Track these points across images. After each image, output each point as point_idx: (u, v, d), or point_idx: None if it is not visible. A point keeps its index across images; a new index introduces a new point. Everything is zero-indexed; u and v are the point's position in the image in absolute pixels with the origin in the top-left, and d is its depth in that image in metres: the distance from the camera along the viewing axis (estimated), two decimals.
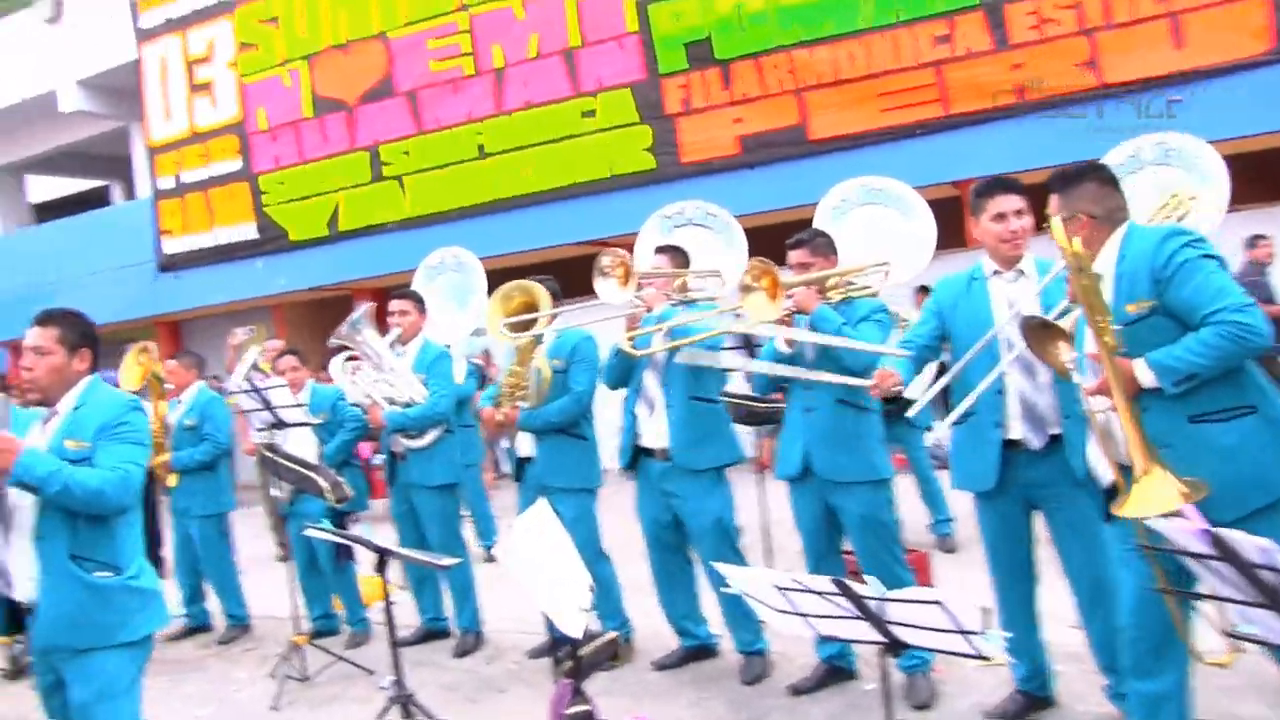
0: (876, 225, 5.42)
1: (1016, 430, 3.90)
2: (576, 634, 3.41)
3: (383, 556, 4.17)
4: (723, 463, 5.08)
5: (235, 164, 15.19)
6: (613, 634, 4.32)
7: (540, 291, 5.23)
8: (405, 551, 4.17)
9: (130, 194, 20.43)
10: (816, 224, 5.17)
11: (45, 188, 23.43)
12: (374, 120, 13.89)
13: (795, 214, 10.88)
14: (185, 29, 15.56)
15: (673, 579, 5.28)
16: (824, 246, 4.69)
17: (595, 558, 5.43)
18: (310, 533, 4.76)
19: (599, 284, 4.77)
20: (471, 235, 11.70)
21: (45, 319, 3.58)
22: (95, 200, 22.40)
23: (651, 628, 5.68)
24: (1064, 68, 10.07)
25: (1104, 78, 9.94)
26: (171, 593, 7.43)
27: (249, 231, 15.20)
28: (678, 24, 11.84)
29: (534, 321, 5.20)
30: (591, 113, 12.43)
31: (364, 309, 6.12)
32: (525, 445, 5.59)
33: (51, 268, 17.63)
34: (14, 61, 18.74)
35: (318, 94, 14.36)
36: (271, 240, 14.99)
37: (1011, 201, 3.91)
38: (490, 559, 8.51)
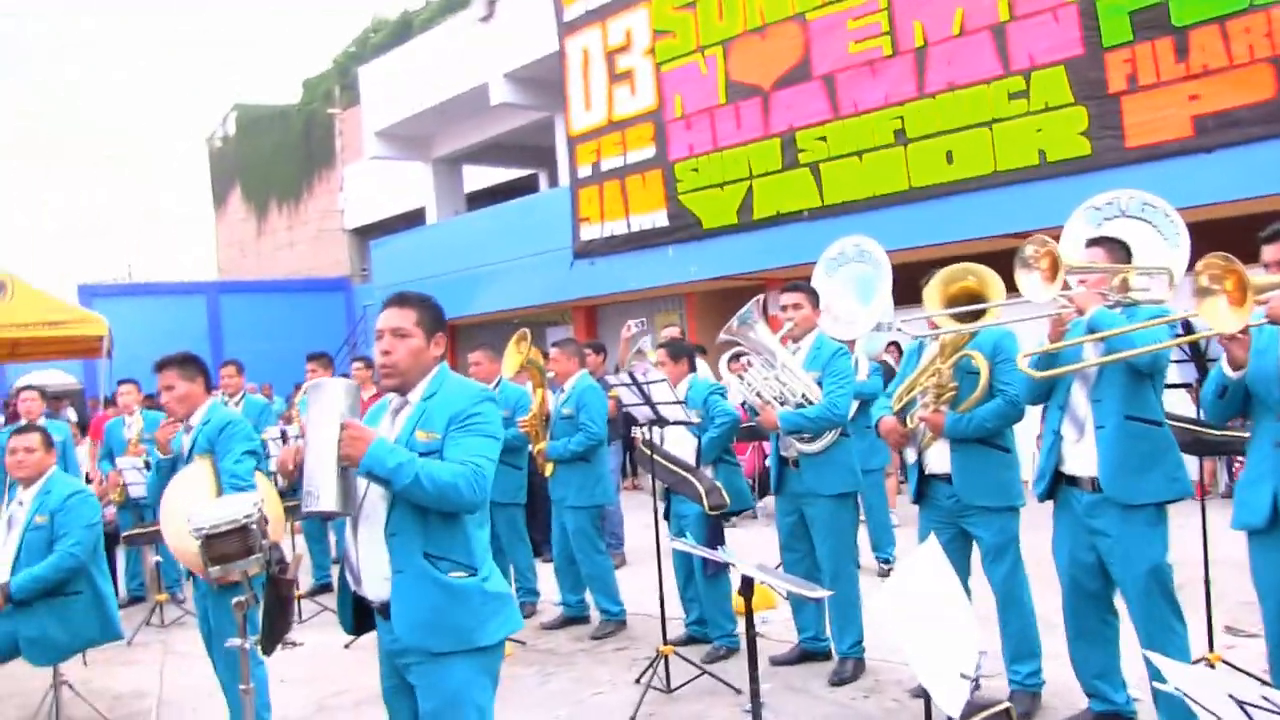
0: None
1: None
2: (954, 709, 2.88)
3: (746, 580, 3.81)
4: (1165, 498, 4.42)
5: (650, 151, 15.47)
6: (1004, 706, 3.70)
7: (992, 279, 4.76)
8: (770, 579, 3.78)
9: (554, 182, 21.49)
10: None
11: (480, 177, 25.23)
12: (789, 105, 13.64)
13: (1262, 204, 9.87)
14: (605, 19, 16.02)
15: (1089, 631, 4.67)
16: None
17: (1016, 591, 5.01)
18: (676, 545, 4.49)
19: (1021, 277, 4.26)
20: (887, 226, 11.38)
21: (402, 300, 3.44)
22: (524, 189, 23.87)
23: (1060, 680, 5.04)
24: None
25: None
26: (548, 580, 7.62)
27: (661, 219, 15.43)
28: None
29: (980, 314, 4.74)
30: (1022, 93, 11.51)
31: (754, 302, 5.87)
32: (937, 460, 5.13)
33: (480, 253, 18.88)
34: (452, 59, 20.30)
35: (732, 79, 14.30)
36: (684, 228, 15.12)
37: None
38: (885, 574, 8.17)
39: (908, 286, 6.80)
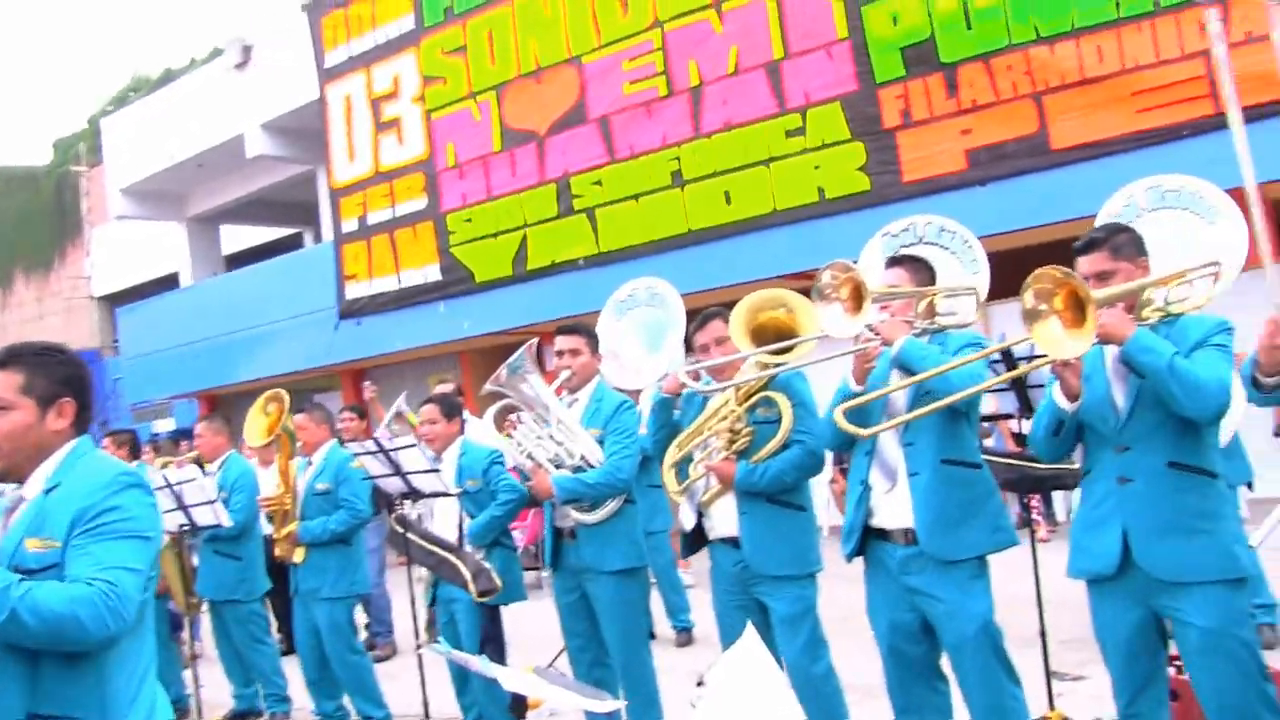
0: (1172, 235, 4.78)
1: None
2: None
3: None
4: (988, 549, 4.18)
5: (421, 203, 14.87)
6: None
7: (806, 311, 4.38)
8: (551, 688, 3.16)
9: (319, 239, 20.63)
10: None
11: (240, 237, 24.05)
12: (564, 150, 13.33)
13: (1037, 235, 10.05)
14: (370, 65, 15.37)
15: (918, 704, 4.32)
16: (1129, 247, 3.77)
17: (816, 665, 4.64)
18: (433, 649, 3.82)
19: (821, 310, 4.06)
20: (667, 270, 10.94)
21: (2, 360, 2.70)
22: (287, 247, 22.77)
23: None
24: None
25: None
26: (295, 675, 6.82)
27: (433, 273, 14.85)
28: (895, 26, 10.82)
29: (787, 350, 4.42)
30: (798, 130, 11.49)
31: (526, 348, 5.38)
32: (722, 522, 4.75)
33: (238, 317, 17.87)
34: (205, 109, 19.21)
35: (507, 125, 13.88)
36: (457, 282, 14.59)
37: None
38: (684, 643, 7.84)
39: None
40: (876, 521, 4.25)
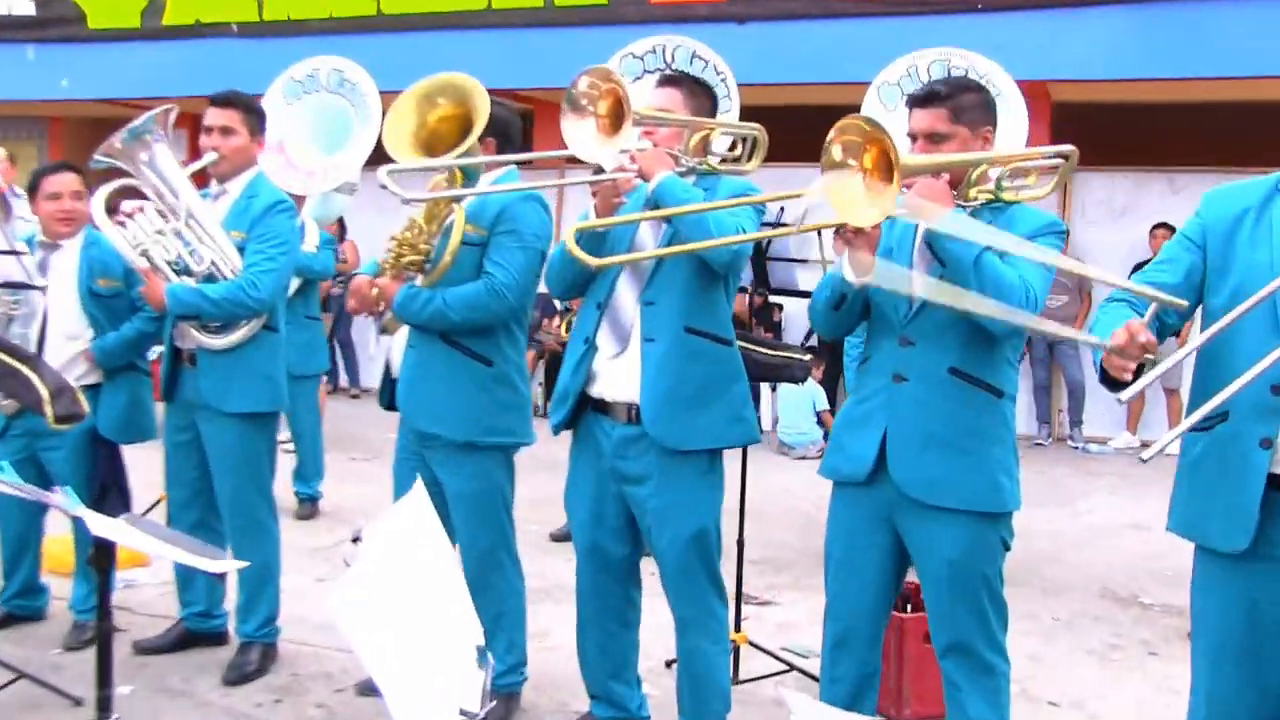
0: None
1: None
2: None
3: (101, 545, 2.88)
4: (725, 443, 4.26)
5: None
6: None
7: (483, 100, 4.28)
8: (151, 541, 2.86)
9: None
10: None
11: None
12: None
13: (798, 93, 10.33)
14: None
15: (610, 615, 4.42)
16: (976, 111, 3.76)
17: (502, 564, 4.71)
18: None
19: (570, 126, 3.94)
20: (348, 57, 10.71)
21: None
22: None
23: (554, 669, 5.04)
24: None
25: None
26: None
27: (25, 4, 13.84)
28: None
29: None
30: None
31: (159, 113, 4.99)
32: (397, 355, 4.83)
33: None
34: None
35: None
36: (59, 22, 13.64)
37: None
38: (307, 514, 7.82)
39: None
40: (596, 390, 4.23)
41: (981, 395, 3.64)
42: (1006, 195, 3.69)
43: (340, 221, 11.25)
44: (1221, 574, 3.21)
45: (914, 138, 3.73)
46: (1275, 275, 2.95)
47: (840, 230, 3.45)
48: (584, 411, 4.30)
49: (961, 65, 5.71)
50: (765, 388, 10.81)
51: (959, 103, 3.70)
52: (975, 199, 3.66)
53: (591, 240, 4.06)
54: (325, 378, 8.91)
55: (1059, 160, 3.81)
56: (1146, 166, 11.43)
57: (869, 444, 3.69)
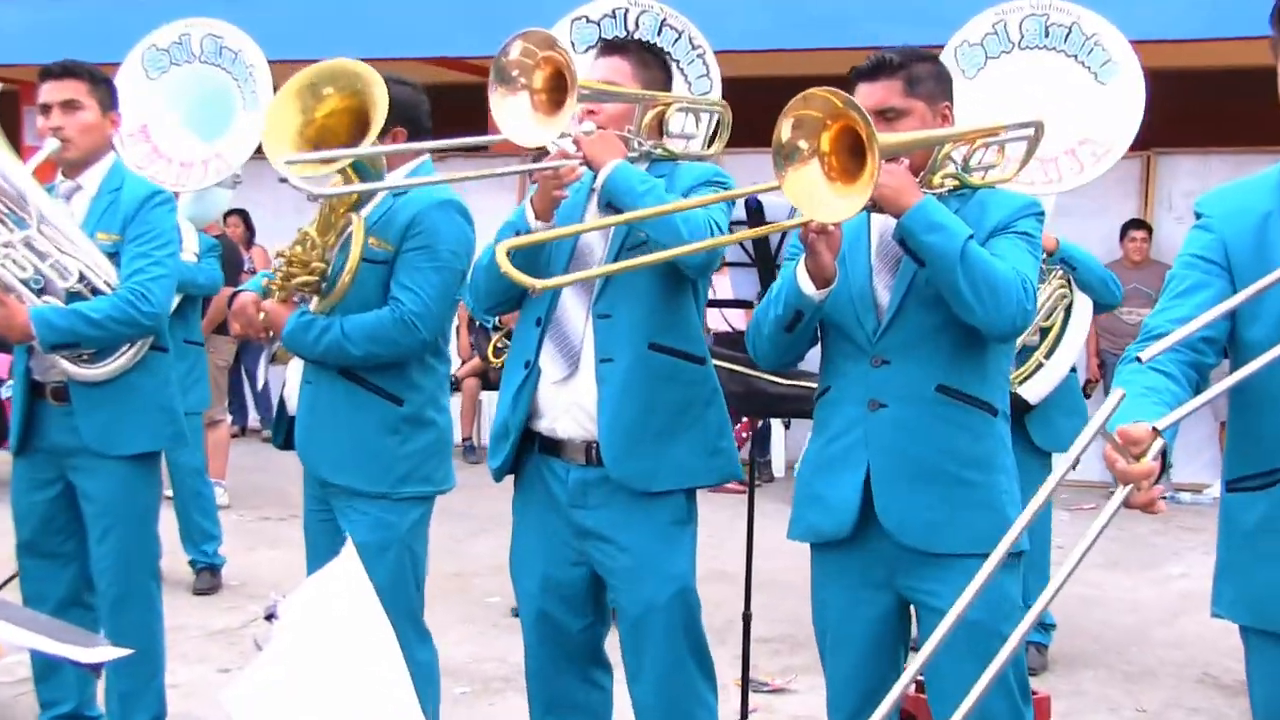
0: (1045, 89, 5.46)
1: None
2: None
3: None
4: (699, 479, 4.38)
5: None
6: None
7: (380, 93, 4.37)
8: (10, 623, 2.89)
9: None
10: None
11: None
12: None
13: (805, 61, 10.42)
14: None
15: (564, 701, 4.50)
16: (931, 81, 3.91)
17: (406, 638, 4.56)
18: None
19: (500, 104, 4.01)
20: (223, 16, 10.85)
21: None
22: None
23: None
24: None
25: None
26: None
27: None
28: None
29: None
30: None
31: None
32: (292, 391, 4.96)
33: None
34: None
35: None
36: None
37: None
38: (208, 587, 7.83)
39: None
40: (544, 425, 4.29)
41: (977, 415, 3.76)
42: (974, 179, 3.82)
43: (246, 220, 11.45)
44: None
45: None
46: None
47: (802, 231, 3.56)
48: (529, 452, 4.34)
49: (1064, 21, 5.80)
50: (777, 424, 10.87)
51: (914, 73, 3.83)
52: (941, 185, 3.78)
53: (526, 252, 4.12)
54: (230, 418, 8.96)
55: (1028, 133, 3.95)
56: (1248, 147, 11.50)
57: (850, 488, 3.75)
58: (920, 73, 3.85)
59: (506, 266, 3.71)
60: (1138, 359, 2.83)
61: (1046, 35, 5.65)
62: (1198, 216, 3.34)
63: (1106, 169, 5.73)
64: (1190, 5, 10.01)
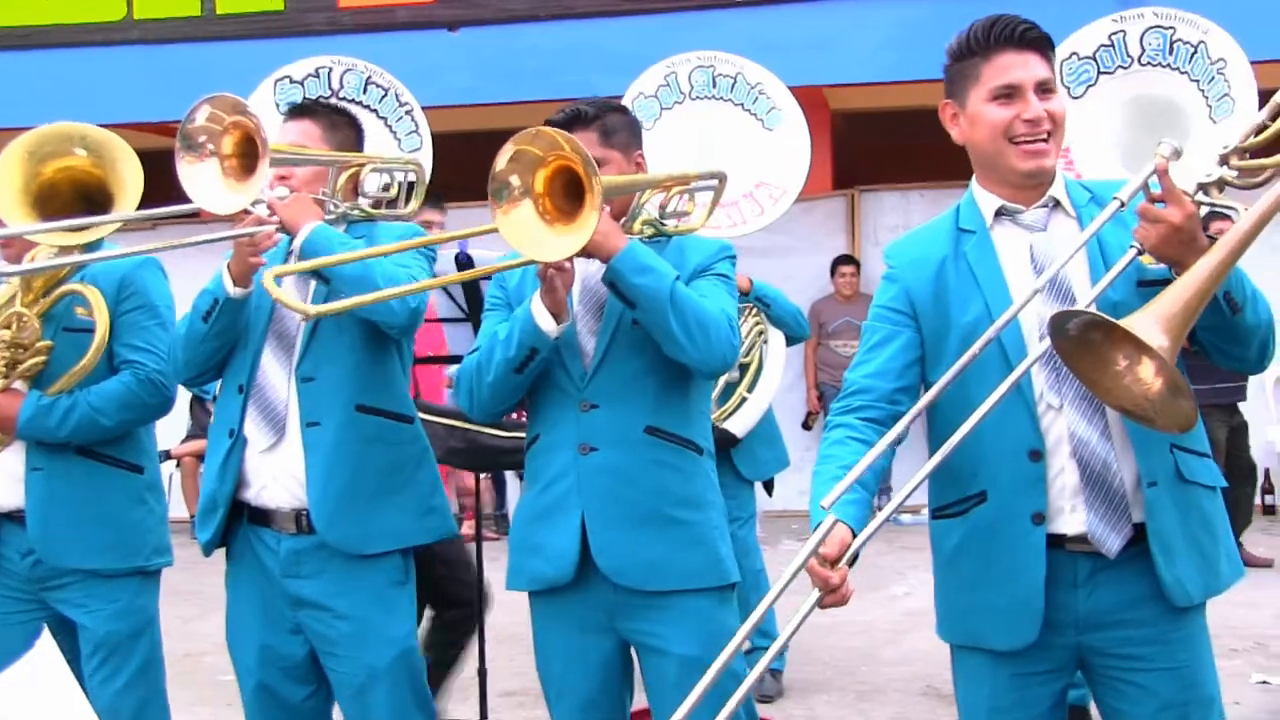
0: (718, 138, 5.54)
1: (1073, 520, 3.29)
2: None
3: None
4: (414, 538, 4.33)
5: None
6: None
7: (119, 152, 4.37)
8: None
9: None
10: None
11: None
12: None
13: (514, 114, 10.36)
14: None
15: None
16: (625, 132, 4.02)
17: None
18: None
19: (188, 171, 3.95)
20: None
21: None
22: None
23: None
24: None
25: None
26: None
27: None
28: None
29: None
30: None
31: None
32: (5, 489, 4.55)
33: None
34: None
35: None
36: None
37: (1025, 63, 3.34)
38: None
39: None
40: (252, 495, 4.18)
41: (684, 455, 3.80)
42: (669, 227, 3.89)
43: None
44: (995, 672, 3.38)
45: None
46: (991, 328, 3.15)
47: (540, 267, 3.57)
48: (239, 523, 4.24)
49: (728, 72, 5.86)
50: (511, 477, 10.84)
51: (608, 123, 3.89)
52: (640, 232, 3.84)
53: (226, 314, 4.08)
54: None
55: (713, 183, 4.07)
56: (945, 182, 11.85)
57: (568, 535, 3.74)
58: (614, 123, 3.90)
59: (276, 291, 3.67)
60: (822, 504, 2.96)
61: (714, 85, 5.76)
62: (888, 266, 3.46)
63: (785, 209, 5.80)
64: (878, 51, 10.32)
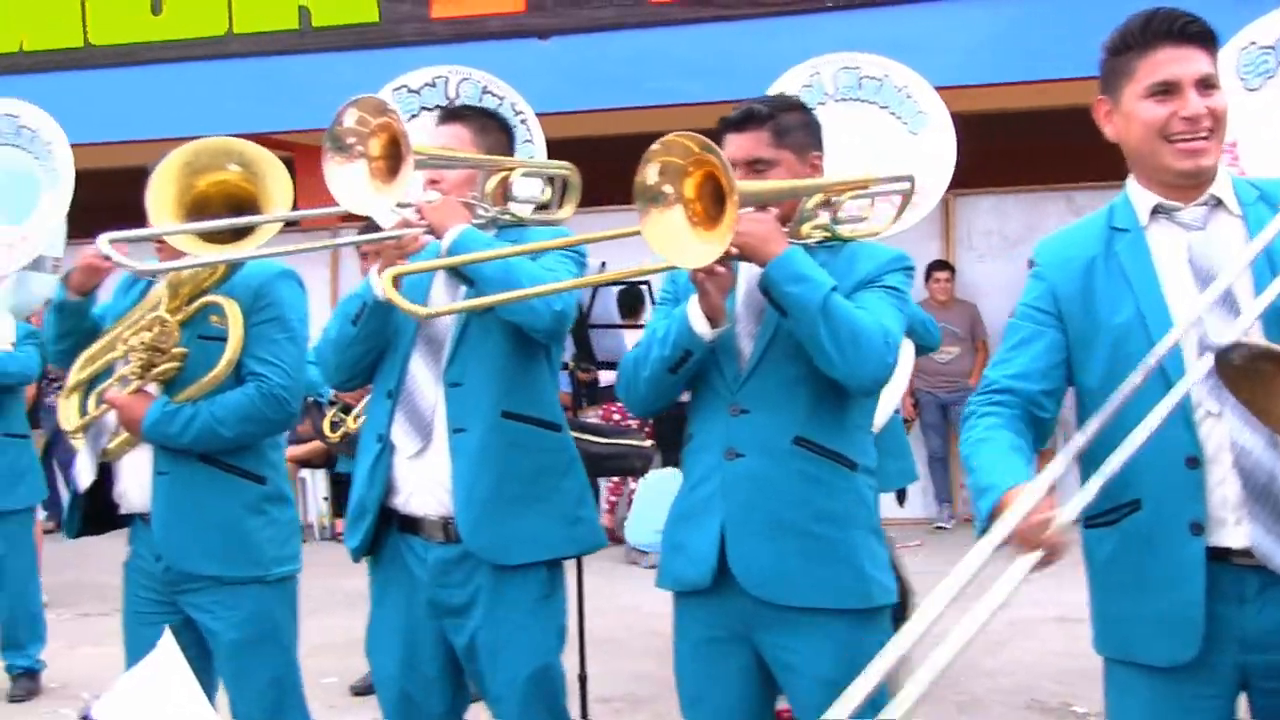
0: (861, 140, 5.46)
1: (1237, 533, 3.17)
2: None
3: None
4: (561, 550, 4.30)
5: None
6: None
7: (274, 171, 4.34)
8: None
9: None
10: None
11: None
12: None
13: (630, 119, 10.51)
14: None
15: None
16: (801, 132, 3.88)
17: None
18: None
19: (336, 173, 3.93)
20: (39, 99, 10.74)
21: None
22: None
23: None
24: None
25: None
26: None
27: None
28: None
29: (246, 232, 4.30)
30: None
31: None
32: (135, 490, 4.60)
33: None
34: None
35: None
36: None
37: (1185, 58, 3.22)
38: (24, 693, 7.50)
39: None
40: (400, 502, 4.19)
41: (835, 469, 3.71)
42: (843, 231, 3.79)
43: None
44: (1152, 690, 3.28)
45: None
46: (1148, 337, 3.11)
47: (691, 272, 3.51)
48: (388, 529, 4.24)
49: (877, 73, 5.92)
50: (604, 483, 10.85)
51: (782, 123, 3.80)
52: (809, 236, 3.75)
53: (374, 318, 4.08)
54: (43, 511, 8.60)
55: (902, 188, 3.99)
56: (1040, 185, 11.77)
57: (708, 539, 3.70)
58: (789, 122, 3.81)
59: (391, 293, 3.72)
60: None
61: (860, 87, 5.72)
62: (1033, 264, 3.39)
63: (926, 214, 5.76)
64: (971, 54, 10.23)
